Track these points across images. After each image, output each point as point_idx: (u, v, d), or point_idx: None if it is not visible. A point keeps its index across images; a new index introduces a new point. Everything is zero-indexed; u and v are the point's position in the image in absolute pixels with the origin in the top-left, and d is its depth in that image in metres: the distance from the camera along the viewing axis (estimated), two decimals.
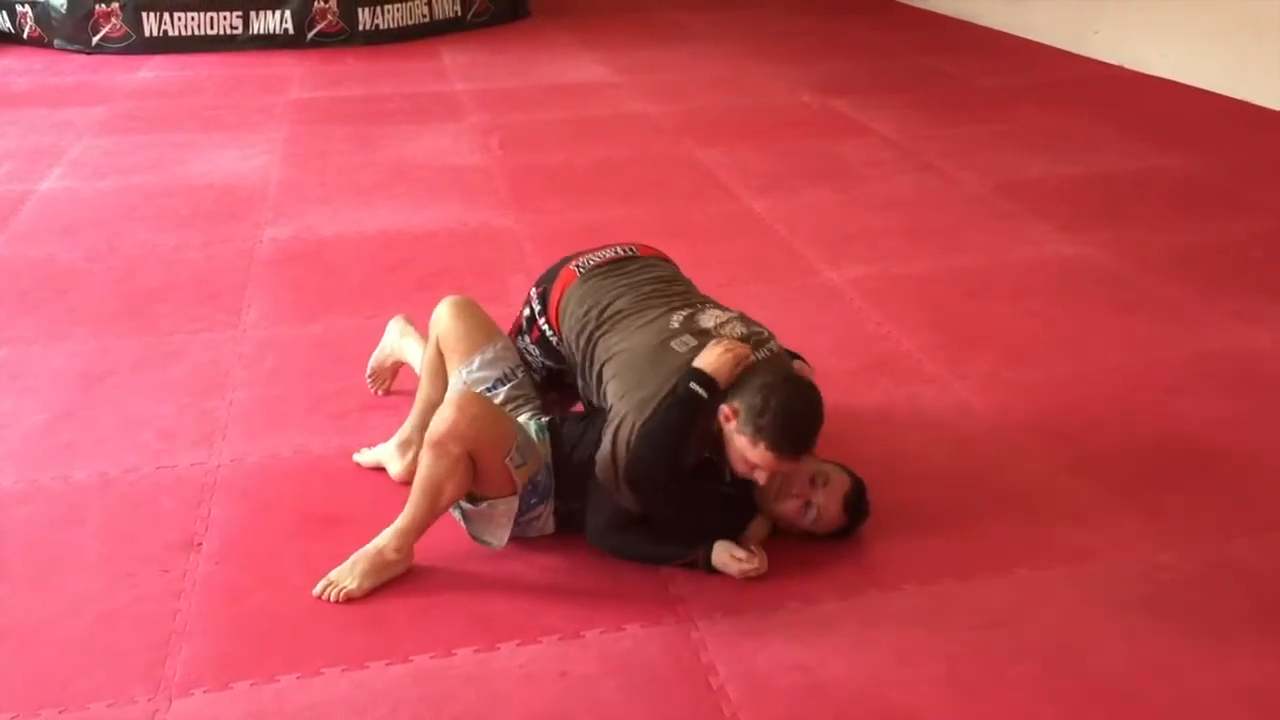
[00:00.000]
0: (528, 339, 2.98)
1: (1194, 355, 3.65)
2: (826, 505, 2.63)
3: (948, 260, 4.43)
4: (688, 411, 2.49)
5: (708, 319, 2.69)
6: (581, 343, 2.78)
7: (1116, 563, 2.65)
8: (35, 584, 2.60)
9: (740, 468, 2.52)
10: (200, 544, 2.73)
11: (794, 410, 2.45)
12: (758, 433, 2.44)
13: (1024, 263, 4.40)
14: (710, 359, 2.52)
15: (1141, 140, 5.99)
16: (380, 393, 3.39)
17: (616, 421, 2.55)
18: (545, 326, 2.92)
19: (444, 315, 2.90)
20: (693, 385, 2.49)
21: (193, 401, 3.38)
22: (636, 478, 2.51)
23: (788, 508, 2.63)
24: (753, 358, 2.56)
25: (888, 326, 3.86)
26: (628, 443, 2.51)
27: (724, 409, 2.49)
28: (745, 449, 2.47)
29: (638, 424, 2.51)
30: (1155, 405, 3.36)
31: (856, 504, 2.67)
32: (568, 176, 5.50)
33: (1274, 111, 6.42)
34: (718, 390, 2.49)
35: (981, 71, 7.60)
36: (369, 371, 3.39)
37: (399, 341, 3.26)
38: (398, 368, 3.34)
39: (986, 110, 6.65)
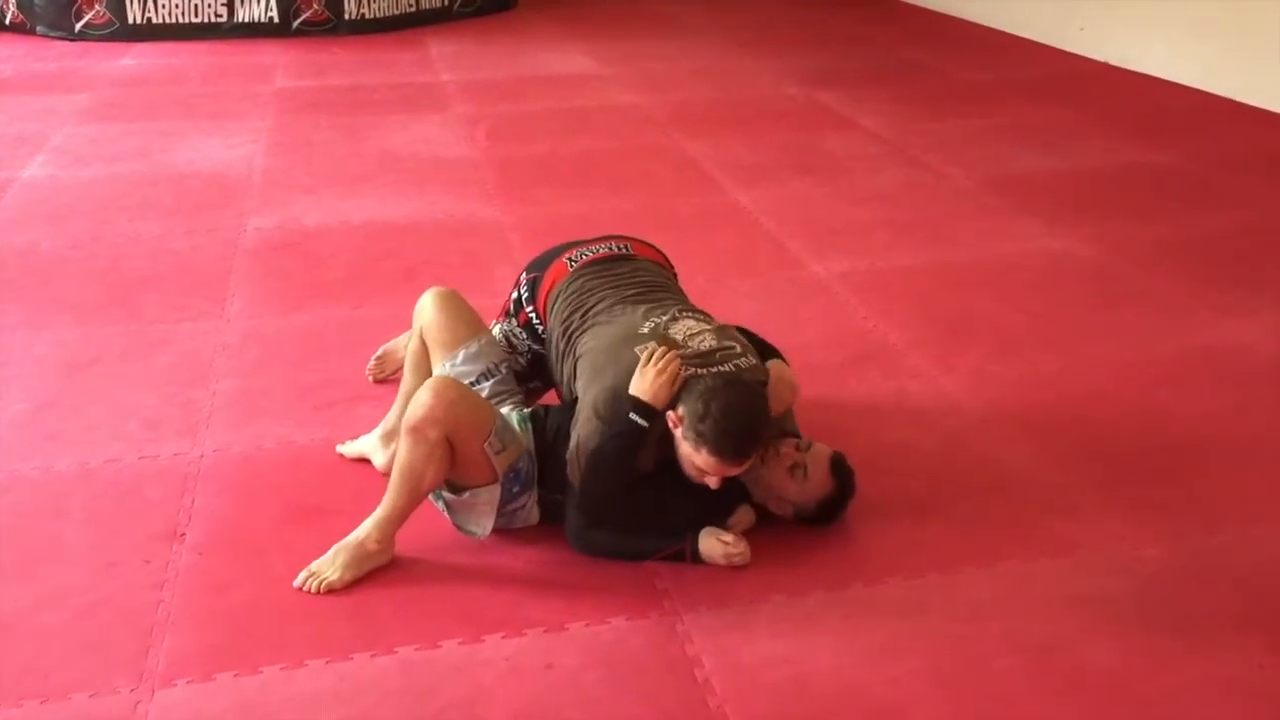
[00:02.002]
0: (515, 322, 2.98)
1: (1180, 349, 3.66)
2: (813, 468, 2.64)
3: (934, 254, 4.44)
4: (630, 442, 2.50)
5: (679, 329, 2.66)
6: (564, 343, 2.80)
7: (1102, 555, 2.65)
8: (17, 574, 2.57)
9: (690, 472, 2.53)
10: (183, 535, 2.71)
11: (734, 415, 2.44)
12: (699, 438, 2.44)
13: (1010, 257, 4.41)
14: (644, 385, 2.50)
15: (1126, 135, 6.01)
16: (375, 378, 3.37)
17: (579, 419, 2.58)
18: (532, 314, 2.93)
19: (428, 307, 2.90)
20: (631, 416, 2.49)
21: (176, 391, 3.36)
22: (589, 505, 2.55)
23: (775, 472, 2.62)
24: (685, 373, 2.52)
25: (874, 320, 3.86)
26: (578, 461, 2.52)
27: (670, 415, 2.50)
28: (690, 454, 2.48)
29: (586, 446, 2.51)
30: (1142, 398, 3.37)
31: (841, 469, 2.68)
32: (554, 167, 5.49)
33: (1256, 107, 6.45)
34: (657, 414, 2.49)
35: (968, 66, 7.61)
36: (379, 353, 3.39)
37: None
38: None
39: (973, 105, 6.66)
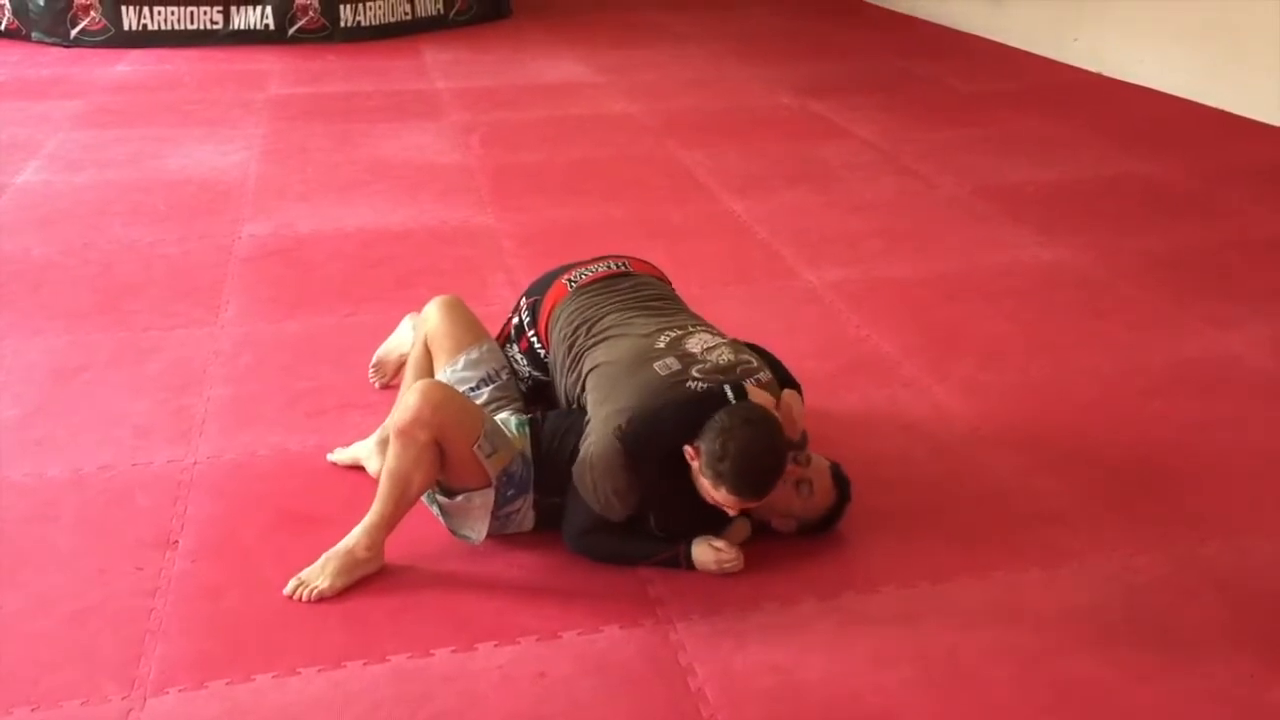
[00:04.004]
0: (516, 348, 2.98)
1: (1169, 359, 3.68)
2: (818, 482, 2.65)
3: (926, 263, 4.45)
4: (650, 561, 2.61)
5: (695, 343, 2.67)
6: (569, 358, 2.79)
7: (1092, 565, 2.66)
8: (7, 581, 2.57)
9: (710, 500, 2.53)
10: (176, 542, 2.71)
11: (752, 456, 2.43)
12: (718, 478, 2.44)
13: (1002, 266, 4.42)
14: (703, 559, 2.58)
15: (1118, 146, 6.03)
16: (380, 385, 3.38)
17: (591, 435, 2.57)
18: (534, 338, 2.93)
19: (433, 313, 2.92)
20: (677, 558, 2.59)
21: (168, 398, 3.36)
22: (587, 515, 2.59)
23: (781, 490, 2.61)
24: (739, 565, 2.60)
25: (866, 329, 3.87)
26: (586, 475, 2.54)
27: (688, 449, 2.50)
28: (709, 489, 2.49)
29: (597, 463, 2.51)
30: (1131, 409, 3.38)
31: (841, 478, 2.70)
32: (548, 175, 5.50)
33: (1248, 119, 6.47)
34: (683, 552, 2.61)
35: (961, 76, 7.63)
36: (374, 361, 3.39)
37: (409, 337, 3.26)
38: (403, 361, 3.33)
39: (965, 115, 6.68)
